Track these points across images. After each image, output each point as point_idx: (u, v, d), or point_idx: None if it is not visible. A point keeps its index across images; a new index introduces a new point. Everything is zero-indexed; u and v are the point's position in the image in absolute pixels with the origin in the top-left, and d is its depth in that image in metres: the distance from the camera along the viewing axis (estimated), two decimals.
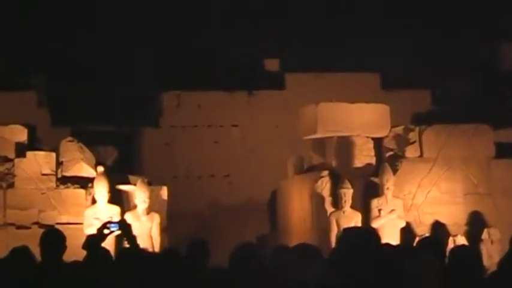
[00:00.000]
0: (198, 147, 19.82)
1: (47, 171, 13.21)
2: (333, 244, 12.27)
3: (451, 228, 13.70)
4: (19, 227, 12.86)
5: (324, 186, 13.54)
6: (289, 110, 17.81)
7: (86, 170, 13.36)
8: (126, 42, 21.09)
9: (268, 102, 20.30)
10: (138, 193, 13.05)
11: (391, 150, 14.32)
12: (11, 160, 13.21)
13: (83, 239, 6.95)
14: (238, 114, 20.20)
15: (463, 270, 6.05)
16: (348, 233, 5.63)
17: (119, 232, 7.15)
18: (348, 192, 13.21)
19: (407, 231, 13.30)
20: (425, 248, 6.96)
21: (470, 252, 6.48)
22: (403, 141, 14.28)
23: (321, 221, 13.41)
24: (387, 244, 6.13)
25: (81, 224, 12.66)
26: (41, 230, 8.48)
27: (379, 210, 13.20)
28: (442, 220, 13.80)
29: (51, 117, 19.33)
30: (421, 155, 14.22)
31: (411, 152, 14.22)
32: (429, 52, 20.80)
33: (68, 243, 6.81)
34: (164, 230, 13.36)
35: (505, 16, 20.12)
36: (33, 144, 13.74)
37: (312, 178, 13.80)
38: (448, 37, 21.15)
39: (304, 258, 5.33)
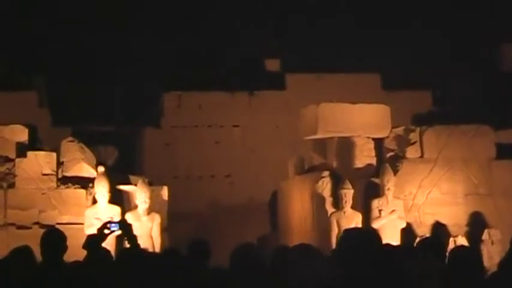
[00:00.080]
0: (198, 148, 19.83)
1: (47, 171, 13.21)
2: (334, 244, 12.27)
3: (452, 229, 13.70)
4: (20, 227, 12.86)
5: (325, 186, 13.54)
6: (290, 110, 17.81)
7: (86, 170, 13.36)
8: (127, 42, 21.09)
9: (268, 102, 20.31)
10: (139, 193, 13.06)
11: (392, 150, 14.32)
12: (12, 160, 13.21)
13: (84, 239, 6.95)
14: (239, 115, 20.21)
15: (464, 270, 6.05)
16: (348, 234, 5.63)
17: (119, 232, 7.16)
18: (348, 193, 13.21)
19: (407, 232, 13.30)
20: (425, 248, 6.97)
21: (471, 253, 6.48)
22: (403, 142, 14.28)
23: (321, 222, 13.41)
24: (388, 245, 6.14)
25: (81, 224, 12.66)
26: (42, 230, 8.47)
27: (380, 210, 13.20)
28: (443, 221, 13.80)
29: (51, 117, 19.35)
30: (421, 156, 14.22)
31: (412, 152, 14.21)
32: (429, 52, 20.80)
33: (68, 243, 6.81)
34: (165, 230, 13.36)
35: (505, 16, 20.13)
36: (34, 144, 13.74)
37: (312, 178, 13.80)
38: (448, 37, 21.15)
39: (305, 259, 5.33)
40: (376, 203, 13.26)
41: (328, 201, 13.48)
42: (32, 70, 20.04)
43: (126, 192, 13.42)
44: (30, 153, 13.25)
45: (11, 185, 13.13)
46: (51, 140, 14.49)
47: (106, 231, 6.97)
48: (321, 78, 20.42)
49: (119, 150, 15.26)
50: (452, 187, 14.05)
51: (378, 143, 14.25)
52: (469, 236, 13.52)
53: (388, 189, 13.25)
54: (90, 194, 13.12)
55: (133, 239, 7.06)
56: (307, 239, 12.60)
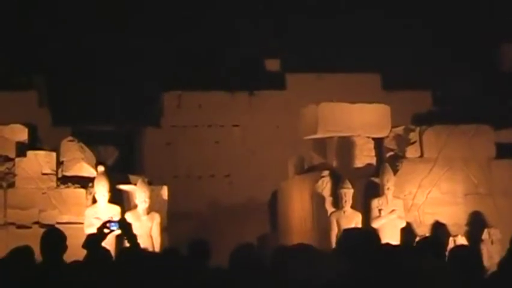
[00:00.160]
0: (198, 147, 19.82)
1: (47, 170, 13.21)
2: (333, 244, 12.27)
3: (452, 229, 13.70)
4: (19, 227, 12.86)
5: (325, 186, 13.55)
6: (290, 110, 17.81)
7: (86, 170, 13.36)
8: (127, 42, 21.09)
9: (269, 102, 20.30)
10: (139, 193, 13.06)
11: (392, 150, 14.33)
12: (12, 160, 13.22)
13: (84, 239, 6.95)
14: (239, 115, 20.20)
15: (463, 270, 6.05)
16: (348, 234, 5.63)
17: (119, 231, 7.15)
18: (348, 193, 13.21)
19: (407, 232, 13.30)
20: (425, 248, 6.97)
21: (471, 253, 6.48)
22: (403, 142, 14.28)
23: (321, 221, 13.41)
24: (387, 244, 6.14)
25: (81, 223, 12.67)
26: (42, 230, 8.46)
27: (380, 210, 13.20)
28: (443, 220, 13.81)
29: (51, 117, 19.34)
30: (421, 156, 14.22)
31: (412, 152, 14.22)
32: (429, 52, 20.80)
33: (68, 242, 6.80)
34: (164, 229, 13.36)
35: (505, 16, 20.13)
36: (33, 143, 13.75)
37: (312, 178, 13.80)
38: (448, 37, 21.15)
39: (305, 259, 5.33)
40: (376, 203, 13.26)
41: (328, 200, 13.49)
42: (32, 70, 20.04)
43: (126, 192, 13.43)
44: (30, 153, 13.26)
45: (11, 185, 13.13)
46: (51, 140, 14.49)
47: (106, 230, 6.96)
48: (321, 78, 20.42)
49: (118, 150, 15.29)
50: (452, 187, 14.05)
51: (378, 142, 14.26)
52: (468, 235, 13.53)
53: (388, 188, 13.25)
54: (90, 193, 13.12)
55: (133, 238, 7.05)
56: (307, 238, 12.61)
